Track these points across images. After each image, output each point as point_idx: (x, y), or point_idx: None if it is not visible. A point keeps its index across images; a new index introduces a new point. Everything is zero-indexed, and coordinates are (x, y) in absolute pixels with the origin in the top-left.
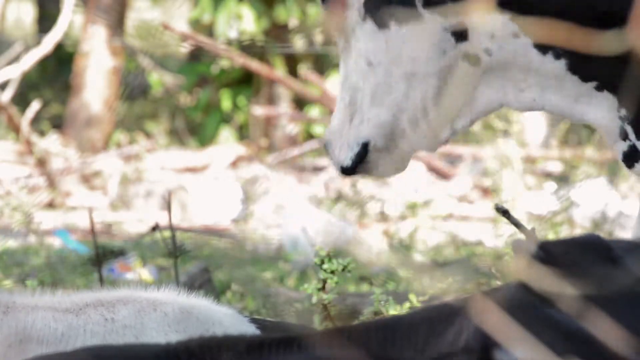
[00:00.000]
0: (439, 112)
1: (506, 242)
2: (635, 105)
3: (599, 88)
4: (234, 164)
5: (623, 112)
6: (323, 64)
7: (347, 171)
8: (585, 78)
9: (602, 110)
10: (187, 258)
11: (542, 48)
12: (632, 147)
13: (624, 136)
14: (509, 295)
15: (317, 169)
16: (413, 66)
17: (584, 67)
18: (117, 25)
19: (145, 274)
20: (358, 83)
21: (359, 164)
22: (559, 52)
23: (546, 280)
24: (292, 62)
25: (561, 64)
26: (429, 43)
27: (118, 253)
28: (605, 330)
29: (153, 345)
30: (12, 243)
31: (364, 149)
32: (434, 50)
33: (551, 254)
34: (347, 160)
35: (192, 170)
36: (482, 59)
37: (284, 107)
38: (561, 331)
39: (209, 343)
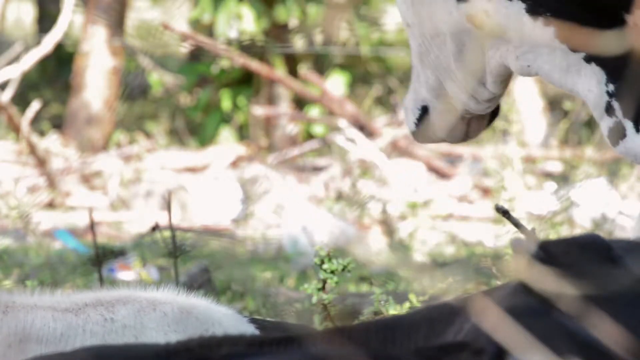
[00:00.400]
0: (465, 73)
1: (507, 242)
2: (628, 83)
3: (587, 60)
4: (234, 164)
5: (611, 87)
6: (323, 64)
7: (416, 136)
8: (573, 48)
9: (590, 82)
10: (187, 258)
11: (534, 14)
12: (618, 124)
13: (611, 112)
14: (509, 295)
15: (317, 169)
16: (433, 26)
17: (572, 36)
18: (117, 25)
19: (145, 274)
20: (412, 46)
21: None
22: (548, 19)
23: (546, 280)
24: (292, 62)
25: (550, 31)
26: (438, 4)
27: (118, 253)
28: (605, 330)
29: (153, 345)
30: (12, 243)
31: (424, 112)
32: (442, 10)
33: (551, 253)
34: (412, 125)
35: (192, 170)
36: (483, 21)
37: (284, 107)
38: (562, 332)
39: (209, 343)
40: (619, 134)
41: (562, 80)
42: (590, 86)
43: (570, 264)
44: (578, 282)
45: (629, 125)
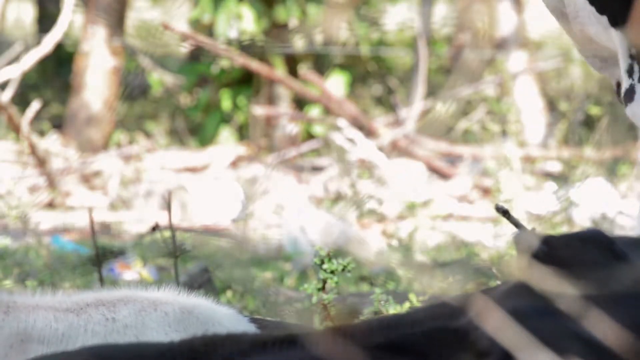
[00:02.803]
0: None
1: (507, 241)
2: None
3: (611, 22)
4: (234, 164)
5: (633, 50)
6: (323, 64)
7: None
8: (600, 10)
9: (618, 43)
10: (187, 258)
11: None
12: (632, 87)
13: (630, 74)
14: (511, 295)
15: (317, 169)
16: None
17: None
18: (117, 25)
19: (145, 274)
20: None
21: None
22: None
23: (547, 277)
24: (292, 62)
25: None
26: None
27: (118, 253)
28: (608, 329)
29: (157, 343)
30: (12, 243)
31: None
32: None
33: (554, 248)
34: None
35: (192, 170)
36: None
37: (284, 107)
38: (566, 333)
39: (213, 341)
40: (630, 96)
41: (606, 41)
42: (618, 47)
43: (573, 259)
44: (580, 278)
45: (639, 90)
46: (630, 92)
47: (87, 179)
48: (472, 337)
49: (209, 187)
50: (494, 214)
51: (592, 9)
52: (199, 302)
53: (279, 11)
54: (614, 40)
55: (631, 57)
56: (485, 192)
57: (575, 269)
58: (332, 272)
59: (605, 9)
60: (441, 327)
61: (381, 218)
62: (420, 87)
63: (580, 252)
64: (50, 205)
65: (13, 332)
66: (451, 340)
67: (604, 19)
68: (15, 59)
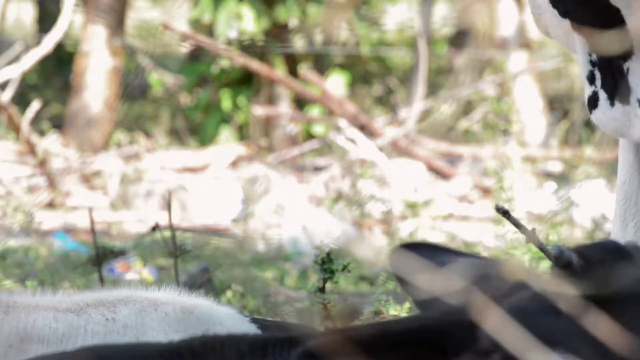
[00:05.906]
0: None
1: (508, 242)
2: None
3: (572, 26)
4: (234, 164)
5: (594, 56)
6: (323, 64)
7: None
8: (562, 14)
9: (578, 49)
10: (187, 258)
11: None
12: (596, 93)
13: (592, 81)
14: (526, 296)
15: (317, 169)
16: None
17: (559, 2)
18: (117, 25)
19: (145, 274)
20: None
21: None
22: None
23: (587, 290)
24: (292, 62)
25: None
26: None
27: (118, 253)
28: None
29: (155, 344)
30: (12, 243)
31: None
32: None
33: (590, 261)
34: None
35: (192, 170)
36: None
37: (284, 107)
38: (577, 332)
39: (212, 341)
40: (594, 103)
41: (568, 44)
42: (579, 52)
43: (606, 272)
44: (612, 287)
45: (602, 97)
46: (594, 99)
47: (87, 179)
48: (477, 336)
49: (209, 187)
50: (494, 214)
51: (555, 12)
52: (199, 302)
53: (279, 11)
54: (575, 45)
55: (591, 63)
56: (485, 192)
57: (610, 281)
58: (332, 272)
59: (568, 12)
60: (448, 325)
61: (382, 218)
62: (420, 87)
63: (613, 263)
64: (51, 205)
65: (13, 332)
66: (457, 338)
67: (566, 22)
68: (15, 59)
